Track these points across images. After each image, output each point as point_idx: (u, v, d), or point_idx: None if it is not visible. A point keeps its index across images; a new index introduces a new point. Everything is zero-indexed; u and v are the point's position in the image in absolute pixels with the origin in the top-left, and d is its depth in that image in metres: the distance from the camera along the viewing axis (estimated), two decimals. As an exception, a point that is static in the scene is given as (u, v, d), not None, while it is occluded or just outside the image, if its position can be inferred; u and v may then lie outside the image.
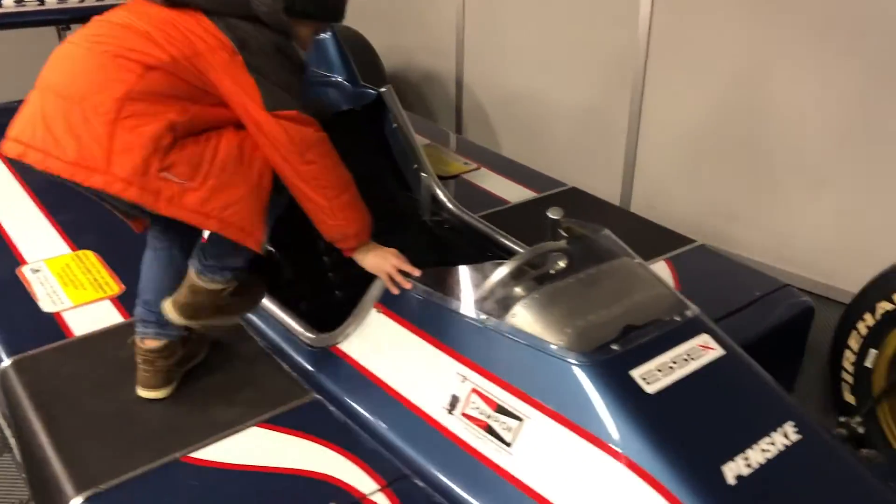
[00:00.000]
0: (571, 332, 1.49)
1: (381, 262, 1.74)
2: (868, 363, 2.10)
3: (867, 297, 2.07)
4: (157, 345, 1.79)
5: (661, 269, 2.38)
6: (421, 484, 1.57)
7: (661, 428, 1.38)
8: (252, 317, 2.03)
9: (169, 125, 1.57)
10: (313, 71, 2.60)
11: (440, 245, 2.58)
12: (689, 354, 1.51)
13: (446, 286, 1.66)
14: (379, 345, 1.74)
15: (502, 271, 1.61)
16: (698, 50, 3.40)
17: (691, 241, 2.56)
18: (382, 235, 2.52)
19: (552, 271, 1.70)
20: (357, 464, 1.62)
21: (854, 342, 2.12)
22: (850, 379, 2.16)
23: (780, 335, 2.23)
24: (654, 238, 2.58)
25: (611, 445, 1.37)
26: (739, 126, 3.35)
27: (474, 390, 1.54)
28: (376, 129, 2.63)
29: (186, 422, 1.72)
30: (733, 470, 1.34)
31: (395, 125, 2.53)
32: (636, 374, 1.44)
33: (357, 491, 1.55)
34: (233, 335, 2.01)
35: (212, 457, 1.63)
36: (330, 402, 1.78)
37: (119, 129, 1.54)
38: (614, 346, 1.47)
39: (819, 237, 3.20)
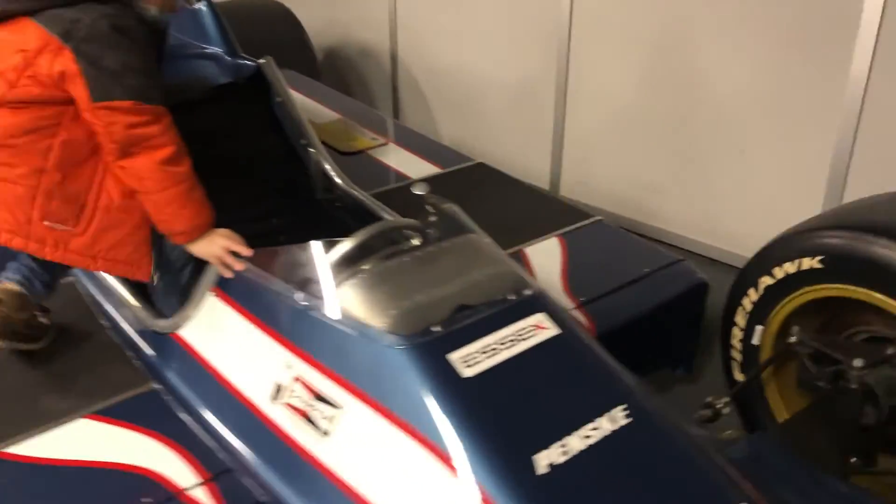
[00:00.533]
0: (394, 314, 1.40)
1: (208, 245, 1.64)
2: (755, 340, 2.01)
3: (750, 273, 1.98)
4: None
5: (553, 245, 2.30)
6: (245, 478, 1.49)
7: (473, 415, 1.29)
8: (102, 300, 1.94)
9: (36, 171, 1.56)
10: (189, 43, 2.49)
11: (330, 224, 2.48)
12: (518, 335, 1.42)
13: (276, 268, 1.56)
14: (214, 331, 1.65)
15: (331, 252, 1.51)
16: (622, 22, 3.30)
17: (589, 216, 2.47)
18: (272, 214, 2.46)
19: (405, 249, 1.61)
20: (184, 457, 1.54)
21: (741, 319, 2.03)
22: (738, 357, 2.07)
23: (671, 312, 2.15)
24: (551, 214, 2.49)
25: (421, 434, 1.29)
26: (664, 98, 3.25)
27: (297, 378, 1.46)
28: (266, 103, 2.52)
29: (10, 413, 1.63)
30: (547, 458, 1.25)
31: (278, 99, 2.42)
32: (455, 356, 1.35)
33: (174, 485, 1.47)
34: (82, 320, 1.92)
35: (28, 451, 1.54)
36: (167, 392, 1.69)
37: None
38: (435, 328, 1.38)
39: (744, 210, 3.12)
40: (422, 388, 1.31)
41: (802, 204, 2.75)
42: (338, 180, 2.42)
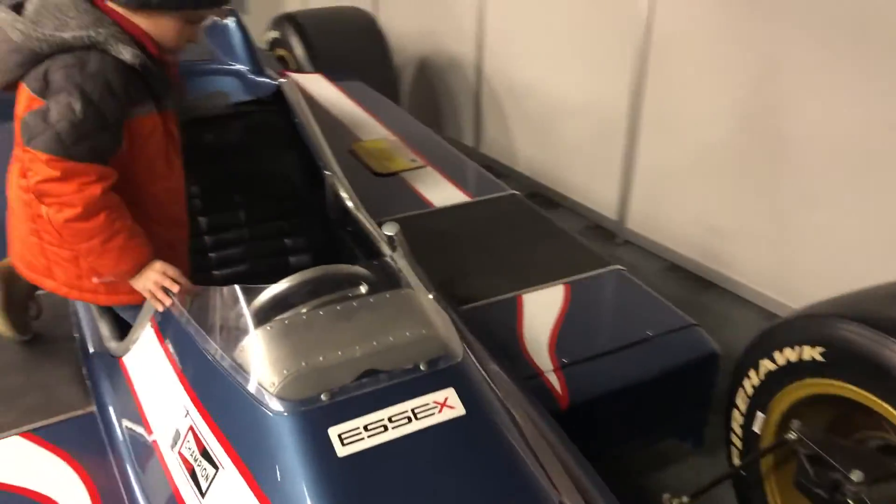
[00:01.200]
0: (286, 375, 1.30)
1: (141, 279, 1.60)
2: (755, 427, 1.78)
3: (752, 353, 1.74)
4: None
5: (555, 294, 2.12)
6: (139, 523, 1.45)
7: (340, 500, 1.18)
8: (80, 314, 1.96)
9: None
10: (215, 58, 2.50)
11: (337, 248, 2.41)
12: (416, 412, 1.29)
13: (199, 307, 1.51)
14: (145, 363, 1.62)
15: (254, 296, 1.44)
16: (704, 51, 3.04)
17: (608, 264, 2.28)
18: (283, 234, 2.43)
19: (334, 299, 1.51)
20: (89, 491, 1.52)
21: (741, 402, 1.80)
22: (738, 443, 1.84)
23: (675, 381, 1.94)
24: (568, 258, 2.31)
25: (283, 513, 1.19)
26: (743, 136, 2.97)
27: (191, 427, 1.39)
28: (288, 122, 2.49)
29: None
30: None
31: (296, 120, 2.39)
32: (336, 431, 1.24)
33: (67, 521, 1.45)
34: (57, 330, 1.95)
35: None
36: (101, 418, 1.68)
37: (46, 246, 1.66)
38: (324, 397, 1.28)
39: (819, 267, 2.79)
40: (294, 462, 1.22)
41: (884, 265, 2.43)
42: (349, 204, 2.35)
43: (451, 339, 1.42)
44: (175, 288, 1.57)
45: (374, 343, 1.37)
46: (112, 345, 1.75)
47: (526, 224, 2.52)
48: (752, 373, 1.74)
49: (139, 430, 1.55)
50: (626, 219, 3.60)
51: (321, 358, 1.33)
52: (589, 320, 2.04)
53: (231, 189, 2.34)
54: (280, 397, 1.28)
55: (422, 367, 1.34)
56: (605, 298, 2.14)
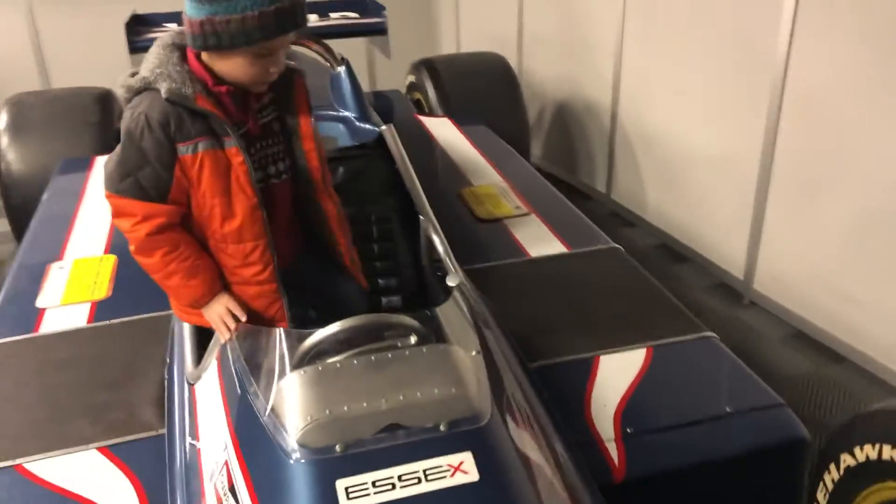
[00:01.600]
0: (309, 423, 1.33)
1: (209, 310, 1.69)
2: (836, 528, 1.61)
3: (834, 446, 1.58)
4: None
5: (635, 358, 2.02)
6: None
7: None
8: (175, 338, 2.09)
9: None
10: (327, 105, 2.61)
11: (426, 293, 2.44)
12: (426, 473, 1.27)
13: (250, 345, 1.58)
14: (208, 393, 1.71)
15: (297, 341, 1.49)
16: (840, 105, 2.83)
17: (702, 330, 2.14)
18: (378, 275, 2.50)
19: (389, 346, 1.54)
20: (143, 510, 1.61)
21: (822, 497, 1.63)
22: (818, 542, 1.67)
23: (752, 465, 1.79)
24: (659, 320, 2.20)
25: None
26: (881, 198, 2.73)
27: (226, 462, 1.45)
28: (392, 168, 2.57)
29: (41, 431, 1.83)
30: None
31: (395, 166, 2.45)
32: (344, 484, 1.25)
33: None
34: (155, 353, 2.09)
35: (37, 470, 1.71)
36: (167, 441, 1.78)
37: None
38: (338, 447, 1.29)
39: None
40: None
41: None
42: (439, 249, 2.37)
43: (481, 401, 1.40)
44: (232, 325, 1.65)
45: (401, 397, 1.37)
46: (190, 370, 1.86)
47: (621, 280, 2.43)
48: (832, 467, 1.58)
49: (194, 458, 1.63)
50: (753, 279, 3.38)
51: (346, 408, 1.35)
52: (665, 389, 1.93)
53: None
54: (300, 444, 1.30)
55: (442, 428, 1.33)
56: (688, 367, 2.01)
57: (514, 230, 2.75)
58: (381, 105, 4.25)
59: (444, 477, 1.27)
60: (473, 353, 1.53)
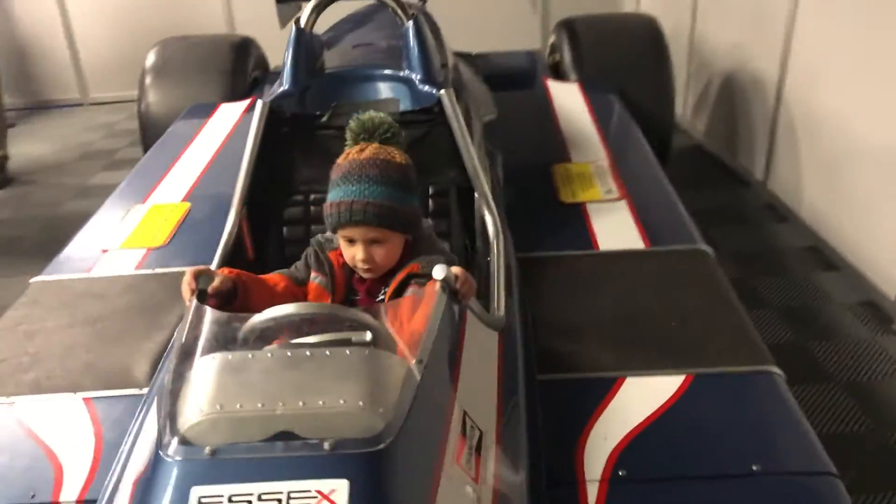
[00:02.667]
0: (196, 417, 1.21)
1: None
2: None
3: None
4: None
5: (670, 383, 1.71)
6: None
7: None
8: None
9: None
10: (391, 64, 2.42)
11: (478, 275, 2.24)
12: (290, 496, 1.11)
13: (197, 320, 1.47)
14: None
15: (224, 321, 1.38)
16: None
17: (766, 363, 1.77)
18: (430, 254, 2.31)
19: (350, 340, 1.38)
20: (92, 468, 1.59)
21: None
22: None
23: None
24: (721, 340, 1.85)
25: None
26: None
27: (132, 445, 1.38)
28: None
29: (24, 371, 1.86)
30: None
31: (453, 134, 2.24)
32: (199, 492, 1.12)
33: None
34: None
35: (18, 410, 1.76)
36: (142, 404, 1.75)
37: None
38: (207, 451, 1.16)
39: None
40: (152, 513, 1.13)
41: None
42: (490, 230, 2.15)
43: (389, 421, 1.20)
44: (187, 294, 1.56)
45: (301, 404, 1.21)
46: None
47: (692, 289, 2.08)
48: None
49: (140, 428, 1.58)
50: (910, 304, 2.83)
51: (239, 405, 1.21)
52: (688, 429, 1.60)
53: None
54: (180, 438, 1.19)
55: (326, 446, 1.15)
56: (728, 406, 1.66)
57: (593, 217, 2.45)
58: (512, 65, 4.01)
59: (305, 504, 1.11)
60: (413, 362, 1.33)
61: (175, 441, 1.18)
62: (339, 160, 1.69)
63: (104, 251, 2.41)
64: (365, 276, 1.65)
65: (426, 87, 2.31)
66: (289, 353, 1.29)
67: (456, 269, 1.58)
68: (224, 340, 1.37)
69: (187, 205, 2.66)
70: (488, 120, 3.00)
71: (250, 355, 1.30)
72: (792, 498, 1.46)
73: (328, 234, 1.72)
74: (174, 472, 1.15)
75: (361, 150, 1.67)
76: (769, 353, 1.82)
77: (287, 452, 1.15)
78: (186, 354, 1.34)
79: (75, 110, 6.25)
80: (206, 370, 1.28)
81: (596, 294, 2.07)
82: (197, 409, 1.22)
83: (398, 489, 1.15)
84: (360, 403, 1.21)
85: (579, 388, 1.73)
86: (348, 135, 1.74)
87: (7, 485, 1.56)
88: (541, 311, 2.02)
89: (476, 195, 2.22)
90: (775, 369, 1.76)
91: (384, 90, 2.40)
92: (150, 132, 3.75)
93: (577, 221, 2.43)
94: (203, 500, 1.11)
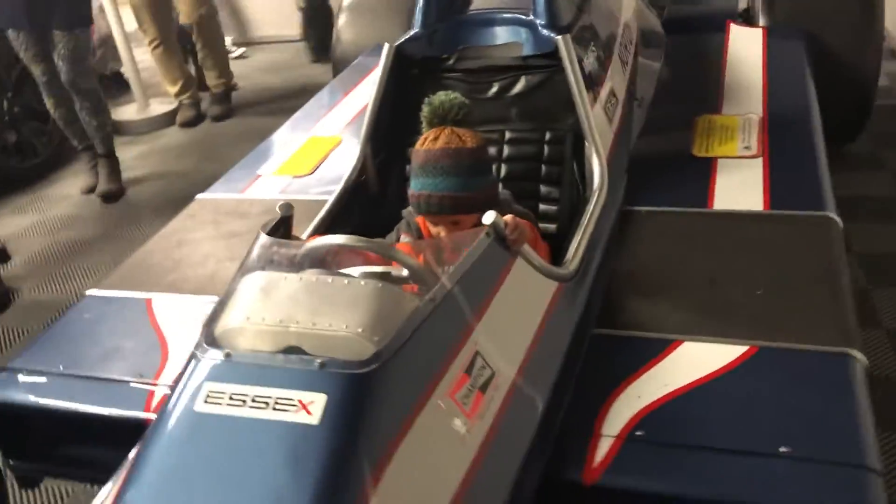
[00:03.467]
0: (225, 325, 1.41)
1: None
2: None
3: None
4: None
5: (728, 353, 1.64)
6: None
7: (166, 460, 1.27)
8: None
9: None
10: (510, 8, 2.40)
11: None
12: (277, 401, 1.26)
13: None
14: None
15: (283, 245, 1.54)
16: None
17: (848, 345, 1.63)
18: (539, 199, 2.34)
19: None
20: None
21: None
22: None
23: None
24: (801, 316, 1.73)
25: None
26: None
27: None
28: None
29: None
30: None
31: (569, 82, 2.21)
32: (209, 387, 1.31)
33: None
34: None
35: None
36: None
37: None
38: (223, 354, 1.34)
39: None
40: (173, 401, 1.34)
41: None
42: (595, 181, 2.14)
43: (378, 348, 1.31)
44: None
45: (312, 324, 1.36)
46: None
47: (801, 258, 1.92)
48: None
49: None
50: None
51: (262, 318, 1.39)
52: (729, 402, 1.54)
53: (501, 141, 2.34)
54: (208, 340, 1.39)
55: (317, 363, 1.29)
56: (783, 384, 1.55)
57: (720, 174, 2.32)
58: (703, 7, 3.79)
59: (289, 411, 1.25)
60: (426, 298, 1.41)
61: (205, 343, 1.37)
62: (417, 146, 1.79)
63: (258, 176, 2.70)
64: None
65: (548, 33, 2.30)
66: (315, 279, 1.43)
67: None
68: (277, 262, 1.54)
69: (339, 138, 2.88)
70: (651, 65, 2.92)
71: (285, 277, 1.46)
72: (813, 486, 1.37)
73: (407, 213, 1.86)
74: (197, 368, 1.35)
75: (435, 139, 1.75)
76: (857, 336, 1.67)
77: (286, 364, 1.30)
78: (244, 271, 1.53)
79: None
80: (248, 286, 1.47)
81: (690, 254, 2.00)
82: (229, 317, 1.41)
83: (372, 410, 1.26)
84: (360, 330, 1.33)
85: (630, 347, 1.72)
86: (422, 119, 1.81)
87: (122, 363, 1.88)
88: (626, 267, 1.99)
89: (586, 144, 2.20)
90: (856, 353, 1.61)
91: (507, 34, 2.41)
92: (341, 69, 4.04)
93: (700, 176, 2.32)
94: (211, 394, 1.30)
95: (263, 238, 1.54)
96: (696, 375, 1.61)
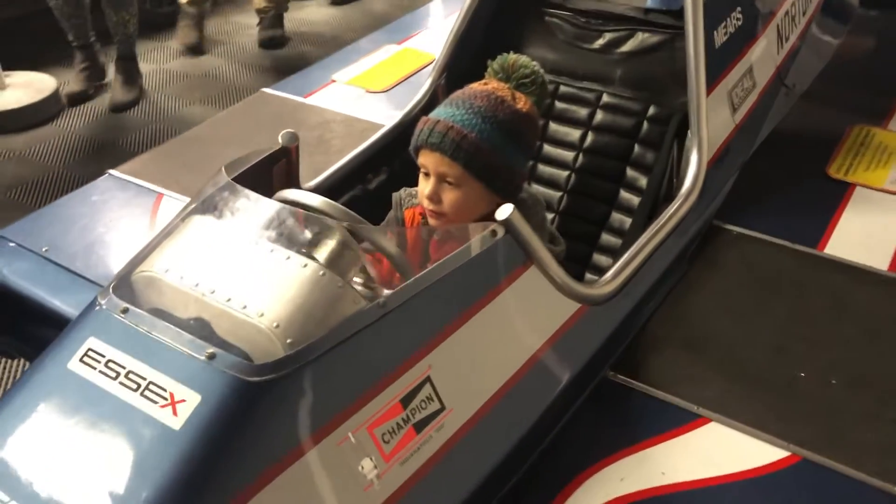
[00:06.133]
0: (144, 269, 1.19)
1: None
2: None
3: None
4: None
5: (760, 454, 1.27)
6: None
7: (22, 412, 1.08)
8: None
9: None
10: None
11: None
12: (149, 386, 1.04)
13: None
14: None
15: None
16: None
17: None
18: (621, 183, 1.95)
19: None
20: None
21: None
22: None
23: None
24: (884, 440, 1.31)
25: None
26: None
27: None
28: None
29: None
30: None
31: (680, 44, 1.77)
32: (90, 344, 1.10)
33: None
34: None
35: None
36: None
37: None
38: (121, 311, 1.12)
39: None
40: (57, 341, 1.15)
41: None
42: (686, 184, 1.74)
43: (284, 352, 1.05)
44: None
45: (228, 299, 1.11)
46: None
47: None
48: None
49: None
50: None
51: (181, 277, 1.16)
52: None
53: (594, 104, 1.94)
54: (116, 284, 1.18)
55: (208, 351, 1.05)
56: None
57: (850, 207, 1.84)
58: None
59: (157, 403, 1.03)
60: (375, 301, 1.12)
61: (111, 289, 1.16)
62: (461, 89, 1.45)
63: (332, 81, 2.44)
64: (430, 220, 1.41)
65: (674, -13, 1.85)
66: (256, 243, 1.18)
67: None
68: (229, 210, 1.27)
69: (432, 57, 2.55)
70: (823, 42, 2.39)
71: (226, 233, 1.22)
72: None
73: (416, 188, 1.49)
74: (90, 315, 1.15)
75: (486, 83, 1.43)
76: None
77: (174, 341, 1.07)
78: (193, 211, 1.29)
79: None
80: (187, 230, 1.24)
81: (770, 304, 1.58)
82: (152, 262, 1.20)
83: (251, 429, 1.01)
84: (275, 324, 1.08)
85: (640, 407, 1.37)
86: (488, 72, 1.48)
87: (100, 263, 1.74)
88: (680, 299, 1.61)
89: (689, 134, 1.78)
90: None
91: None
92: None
93: (824, 205, 1.85)
94: (90, 353, 1.10)
95: (222, 177, 1.28)
96: (708, 472, 1.25)
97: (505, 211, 1.26)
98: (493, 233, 1.25)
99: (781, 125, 2.11)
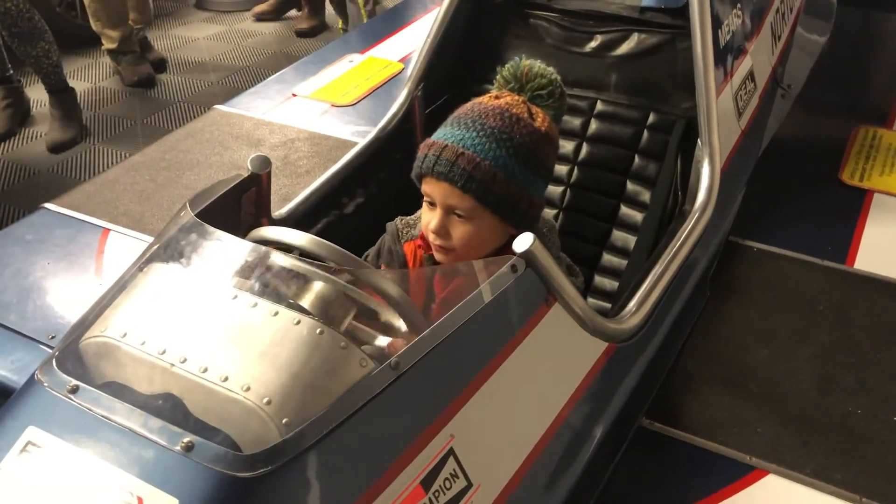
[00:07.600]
0: (96, 333, 0.96)
1: None
2: None
3: None
4: None
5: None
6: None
7: None
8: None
9: None
10: None
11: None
12: (111, 492, 0.82)
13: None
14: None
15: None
16: None
17: None
18: (621, 198, 1.79)
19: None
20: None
21: None
22: None
23: None
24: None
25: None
26: None
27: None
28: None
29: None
30: None
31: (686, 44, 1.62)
32: (32, 435, 0.87)
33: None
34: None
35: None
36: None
37: None
38: (68, 388, 0.90)
39: None
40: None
41: None
42: (699, 199, 1.57)
43: (280, 436, 0.83)
44: None
45: (203, 369, 0.89)
46: None
47: None
48: None
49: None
50: None
51: (143, 342, 0.93)
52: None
53: (588, 112, 1.77)
54: (60, 355, 0.95)
55: (184, 441, 0.83)
56: None
57: (873, 216, 1.71)
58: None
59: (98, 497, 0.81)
60: (385, 364, 0.92)
61: (54, 361, 0.93)
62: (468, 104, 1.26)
63: (293, 95, 2.23)
64: (436, 255, 1.22)
65: (672, -15, 1.69)
66: (234, 296, 0.96)
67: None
68: (196, 256, 1.05)
69: (400, 66, 2.36)
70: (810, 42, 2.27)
71: (194, 284, 1.00)
72: None
73: (413, 216, 1.31)
74: (29, 395, 0.92)
75: (497, 97, 1.24)
76: None
77: (141, 429, 0.85)
78: (150, 258, 1.07)
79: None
80: (145, 283, 1.02)
81: (808, 331, 1.42)
82: (105, 325, 0.97)
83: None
84: (266, 400, 0.86)
85: (688, 461, 1.19)
86: (497, 76, 1.30)
87: (39, 315, 1.49)
88: (712, 329, 1.44)
89: (699, 143, 1.62)
90: None
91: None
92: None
93: (845, 215, 1.71)
94: (31, 445, 0.87)
95: (187, 216, 1.06)
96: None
97: (525, 242, 1.07)
98: (514, 268, 1.06)
99: (783, 131, 1.97)
